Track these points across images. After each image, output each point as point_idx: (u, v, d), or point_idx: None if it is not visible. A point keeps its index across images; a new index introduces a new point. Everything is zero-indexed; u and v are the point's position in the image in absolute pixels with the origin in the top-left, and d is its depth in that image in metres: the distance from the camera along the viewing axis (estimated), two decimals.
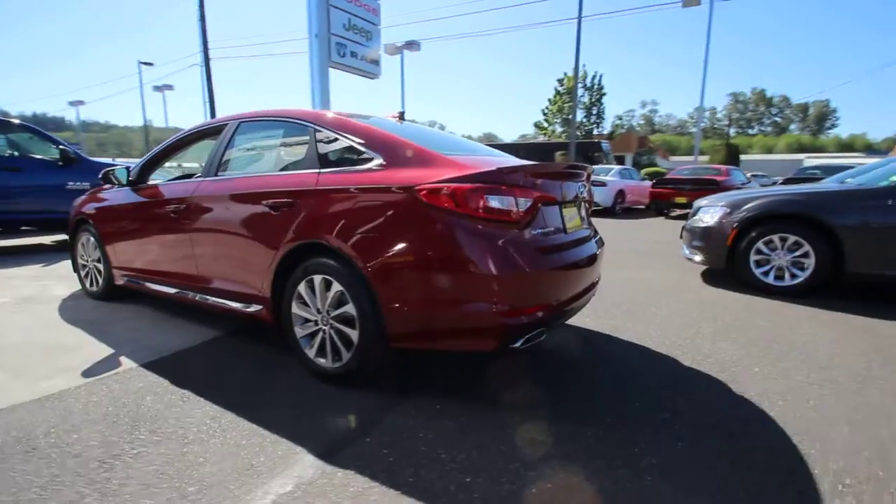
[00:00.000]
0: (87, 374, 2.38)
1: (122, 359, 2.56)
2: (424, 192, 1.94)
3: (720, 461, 1.69)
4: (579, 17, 17.02)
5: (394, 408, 2.04)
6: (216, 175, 2.81)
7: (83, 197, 3.94)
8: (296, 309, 2.36)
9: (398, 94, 23.12)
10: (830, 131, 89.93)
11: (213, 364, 2.54)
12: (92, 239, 3.66)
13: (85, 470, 1.59)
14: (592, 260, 2.40)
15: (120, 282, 3.52)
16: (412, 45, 21.05)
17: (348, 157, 2.31)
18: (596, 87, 32.45)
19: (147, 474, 1.58)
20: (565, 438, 1.82)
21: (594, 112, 32.52)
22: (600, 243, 2.65)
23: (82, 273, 3.87)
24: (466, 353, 2.44)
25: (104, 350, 2.69)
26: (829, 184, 4.92)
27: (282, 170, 2.59)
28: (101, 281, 3.67)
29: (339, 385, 2.23)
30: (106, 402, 2.09)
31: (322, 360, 2.29)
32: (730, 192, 6.17)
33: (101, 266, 3.64)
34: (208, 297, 2.83)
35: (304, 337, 2.35)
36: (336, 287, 2.16)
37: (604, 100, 32.30)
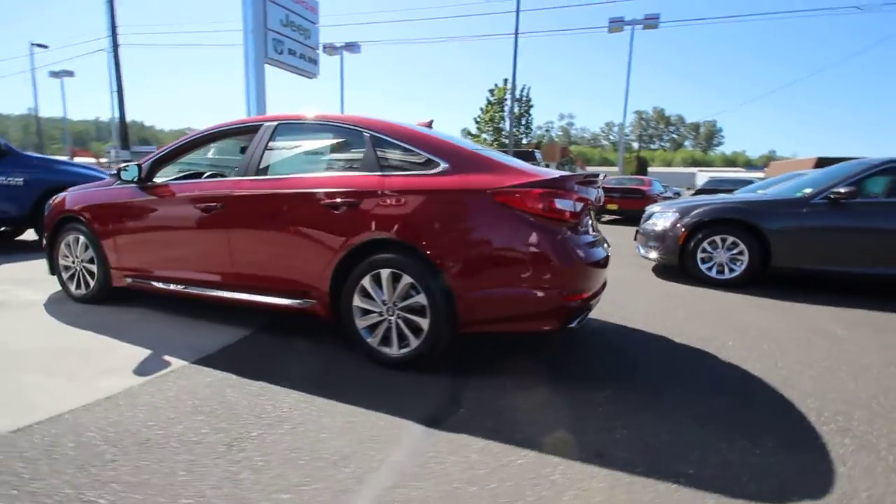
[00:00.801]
0: (139, 373, 2.35)
1: (167, 358, 2.53)
2: (499, 194, 2.24)
3: (734, 404, 2.18)
4: (516, 33, 18.04)
5: (466, 385, 2.30)
6: (256, 174, 2.86)
7: (66, 194, 3.67)
8: (358, 302, 2.52)
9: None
10: (717, 148, 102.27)
11: (265, 358, 2.60)
12: (83, 238, 3.44)
13: (218, 452, 1.68)
14: (608, 260, 2.82)
15: (120, 283, 3.36)
16: (352, 46, 20.88)
17: (411, 163, 2.52)
18: (524, 98, 34.30)
19: (283, 450, 1.71)
20: (613, 399, 2.20)
21: (523, 122, 34.32)
22: (608, 246, 3.09)
23: (65, 275, 3.60)
24: (530, 333, 2.72)
25: (140, 351, 2.62)
26: (749, 194, 5.91)
27: (336, 172, 2.72)
28: (92, 283, 3.46)
29: (401, 369, 2.44)
30: (185, 396, 2.12)
31: (386, 349, 2.48)
32: (678, 200, 7.11)
33: (93, 267, 3.43)
34: (245, 294, 2.87)
35: (365, 328, 2.52)
36: (406, 279, 2.38)
37: (531, 111, 34.22)
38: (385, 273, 2.43)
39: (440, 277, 2.31)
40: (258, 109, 17.13)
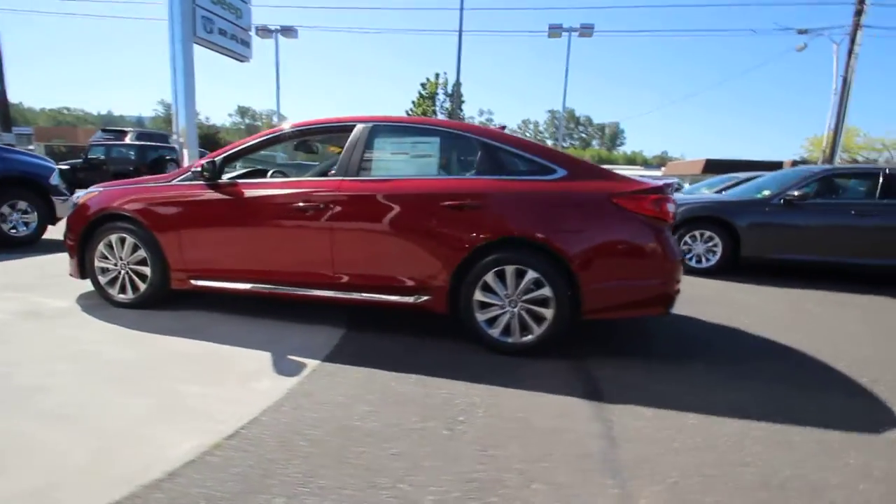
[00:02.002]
0: (286, 374, 2.35)
1: (297, 359, 2.53)
2: (619, 198, 2.57)
3: (787, 369, 2.74)
4: (460, 30, 18.41)
5: (585, 366, 2.62)
6: (358, 175, 2.90)
7: (100, 191, 3.35)
8: (479, 296, 2.72)
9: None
10: (620, 148, 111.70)
11: (389, 352, 2.69)
12: (131, 239, 3.19)
13: (444, 437, 1.83)
14: None
15: (182, 286, 3.18)
16: (288, 30, 19.82)
17: (527, 169, 2.76)
18: (457, 94, 34.95)
19: (499, 429, 1.90)
20: (707, 370, 2.66)
21: (458, 118, 35.00)
22: None
23: (103, 278, 3.30)
24: (639, 317, 3.18)
25: (258, 354, 2.58)
26: (713, 195, 6.85)
27: (452, 175, 2.87)
28: (143, 286, 3.22)
29: (520, 356, 2.68)
30: (359, 391, 2.19)
31: (508, 338, 2.71)
32: None
33: (144, 269, 3.20)
34: (345, 293, 2.91)
35: (485, 321, 2.73)
36: (531, 274, 2.62)
37: (463, 106, 35.04)
38: (510, 269, 2.65)
39: (566, 272, 2.59)
40: (186, 91, 15.70)
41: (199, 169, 3.01)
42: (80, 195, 3.44)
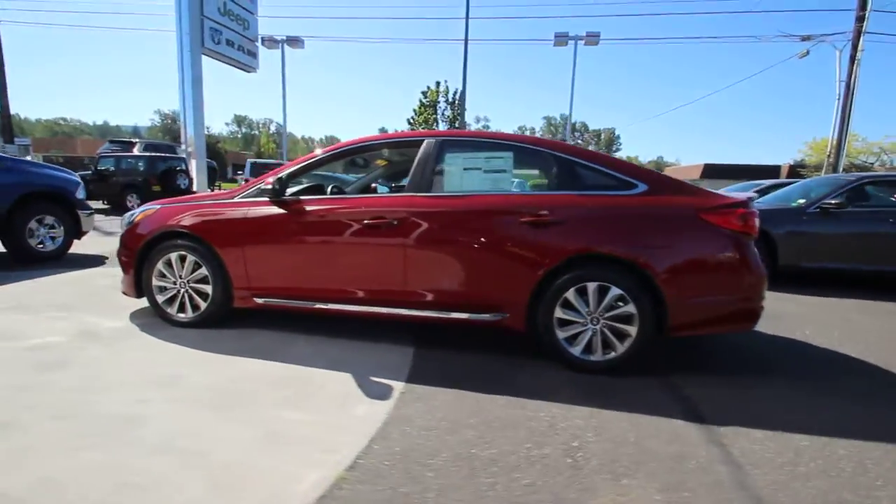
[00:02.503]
0: (377, 397, 2.29)
1: (380, 380, 2.48)
2: (706, 213, 2.54)
3: (866, 384, 2.71)
4: (466, 38, 18.49)
5: (671, 384, 2.57)
6: (430, 190, 2.86)
7: (158, 208, 3.29)
8: (559, 313, 2.67)
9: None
10: (616, 153, 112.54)
11: (468, 371, 2.63)
12: (192, 257, 3.12)
13: (566, 465, 1.78)
14: None
15: (245, 304, 3.12)
16: (294, 41, 19.84)
17: (609, 183, 2.73)
18: (457, 101, 35.08)
19: (618, 456, 1.85)
20: (789, 386, 2.62)
21: (456, 125, 35.09)
22: None
23: (161, 297, 3.23)
24: (724, 333, 3.08)
25: (341, 377, 2.51)
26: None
27: (528, 191, 2.83)
28: (204, 305, 3.15)
29: (602, 374, 2.63)
30: (458, 416, 2.13)
31: (590, 356, 2.66)
32: None
33: (206, 288, 3.13)
34: (418, 310, 2.86)
35: (566, 338, 2.68)
36: (614, 291, 2.58)
37: (464, 114, 35.12)
38: (592, 286, 2.61)
39: (651, 288, 2.55)
40: (195, 102, 15.72)
41: (268, 186, 2.95)
42: (136, 212, 3.38)
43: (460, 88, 34.97)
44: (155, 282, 3.23)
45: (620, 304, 2.60)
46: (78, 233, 5.96)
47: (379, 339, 3.08)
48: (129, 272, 3.28)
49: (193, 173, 14.63)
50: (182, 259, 3.16)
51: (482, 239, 2.74)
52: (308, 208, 2.98)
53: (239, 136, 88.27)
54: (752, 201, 2.70)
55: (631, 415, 2.20)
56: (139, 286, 3.28)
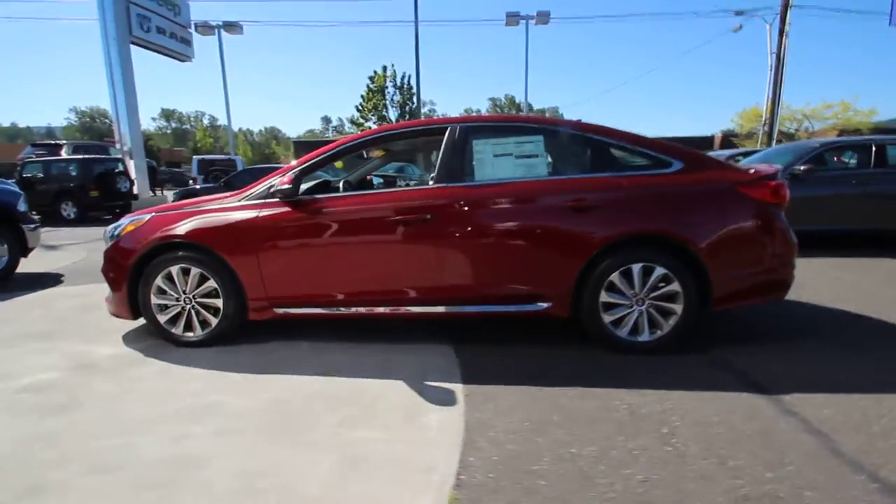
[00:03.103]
0: (441, 403, 2.17)
1: (437, 384, 2.35)
2: (742, 186, 2.57)
3: (879, 338, 2.90)
4: (416, 20, 18.01)
5: (719, 357, 2.62)
6: (462, 180, 2.72)
7: (150, 217, 2.93)
8: (604, 297, 2.64)
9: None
10: None
11: (518, 365, 2.55)
12: (197, 269, 2.81)
13: (671, 450, 1.75)
14: None
15: (262, 316, 2.86)
16: (232, 26, 18.48)
17: (645, 163, 2.69)
18: (406, 87, 34.38)
19: (722, 442, 1.84)
20: (818, 350, 2.75)
21: (407, 110, 34.46)
22: None
23: (162, 317, 2.90)
24: (761, 304, 2.98)
25: (394, 385, 2.36)
26: None
27: (565, 174, 2.74)
28: (215, 321, 2.86)
29: (651, 355, 2.64)
30: (536, 414, 2.05)
31: (637, 337, 2.65)
32: None
33: (215, 302, 2.84)
34: (458, 307, 2.74)
35: (612, 322, 2.65)
36: (659, 270, 2.58)
37: (414, 98, 34.49)
38: (636, 267, 2.59)
39: (694, 265, 2.57)
40: (127, 96, 14.38)
41: (285, 186, 2.68)
42: (122, 224, 2.99)
43: (410, 73, 34.34)
44: (154, 300, 2.89)
45: (664, 283, 2.60)
46: (25, 250, 5.30)
47: (412, 340, 2.93)
48: (121, 291, 2.92)
49: (133, 174, 13.44)
50: (185, 272, 2.84)
51: (522, 228, 2.64)
52: (329, 208, 2.75)
53: (168, 131, 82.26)
54: (779, 173, 2.76)
55: (700, 394, 2.21)
56: (134, 306, 2.93)
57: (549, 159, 2.83)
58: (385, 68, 34.20)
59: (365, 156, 3.84)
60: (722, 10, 18.95)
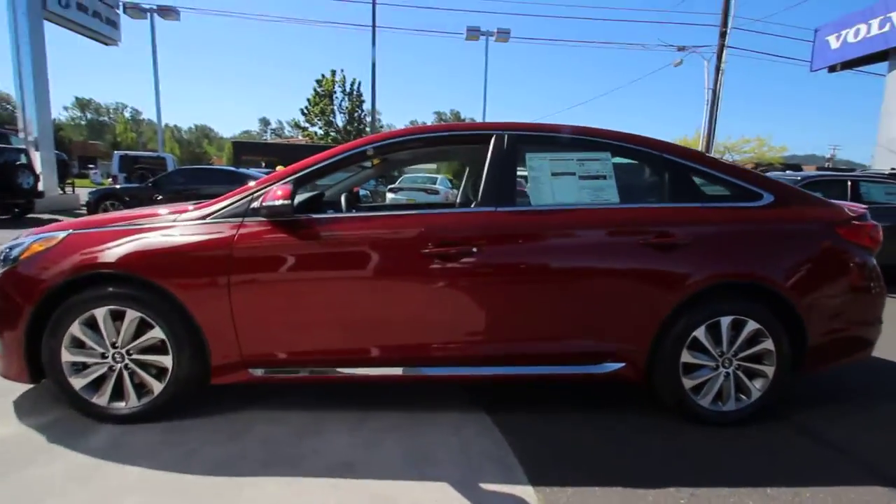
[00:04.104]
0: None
1: (499, 489, 1.69)
2: (842, 228, 2.18)
3: None
4: (373, 24, 17.35)
5: (816, 430, 2.19)
6: (514, 204, 2.11)
7: (76, 235, 2.03)
8: (686, 357, 2.13)
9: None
10: None
11: (596, 451, 1.96)
12: (135, 313, 1.96)
13: None
14: None
15: (234, 378, 2.06)
16: (168, 11, 16.60)
17: (731, 193, 2.23)
18: (356, 93, 33.27)
19: None
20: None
21: (356, 117, 33.32)
22: None
23: (80, 380, 2.00)
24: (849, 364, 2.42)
25: (443, 490, 1.67)
26: None
27: (638, 202, 2.21)
28: (160, 386, 2.01)
29: (733, 427, 2.17)
30: None
31: (721, 406, 2.17)
32: None
33: (161, 360, 2.00)
34: (502, 368, 2.12)
35: (693, 387, 2.15)
36: (751, 325, 2.12)
37: (363, 106, 33.45)
38: (726, 320, 2.11)
39: (790, 318, 2.13)
40: (36, 79, 12.35)
41: (277, 202, 1.90)
42: (24, 243, 2.06)
43: (359, 79, 33.32)
44: (67, 355, 1.98)
45: (756, 340, 2.14)
46: None
47: (433, 403, 2.26)
48: (16, 341, 1.98)
49: (38, 167, 11.42)
50: (116, 316, 1.98)
51: (592, 267, 2.08)
52: (337, 232, 2.03)
53: (83, 122, 74.20)
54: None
55: (831, 489, 1.74)
56: (35, 363, 2.00)
57: (622, 183, 2.30)
58: (334, 73, 32.98)
59: (372, 164, 3.12)
60: (666, 44, 19.99)
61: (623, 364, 2.14)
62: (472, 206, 2.14)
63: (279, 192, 1.92)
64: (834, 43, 16.27)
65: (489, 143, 2.19)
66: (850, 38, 15.74)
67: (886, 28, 14.28)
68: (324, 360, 2.07)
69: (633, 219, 2.12)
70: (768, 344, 2.13)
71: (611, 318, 2.11)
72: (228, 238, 1.97)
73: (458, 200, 3.60)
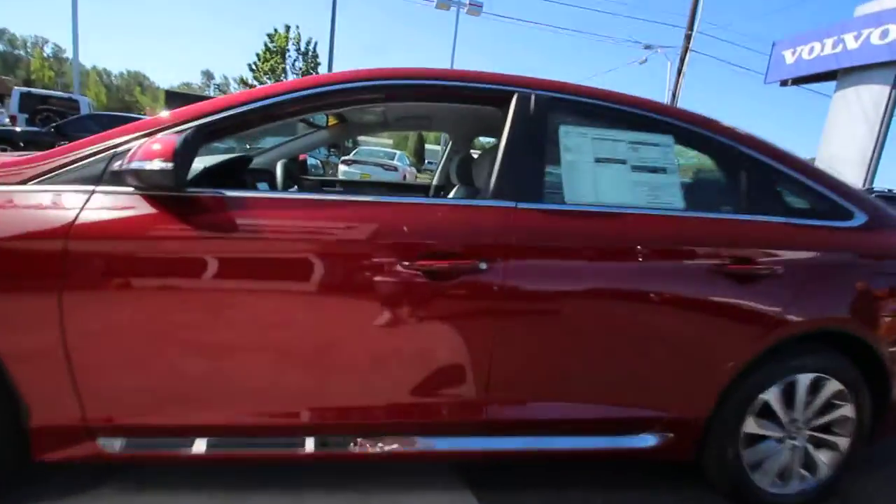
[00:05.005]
0: None
1: None
2: None
3: None
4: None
5: None
6: (540, 200, 1.41)
7: None
8: (751, 426, 1.56)
9: None
10: None
11: None
12: None
13: None
14: None
15: (69, 453, 1.23)
16: None
17: (819, 209, 1.65)
18: (311, 54, 30.92)
19: None
20: None
21: None
22: None
23: None
24: None
25: None
26: None
27: (704, 209, 1.56)
28: None
29: None
30: None
31: (784, 488, 1.63)
32: None
33: None
34: (506, 438, 1.45)
35: (754, 464, 1.60)
36: (832, 385, 1.58)
37: (318, 69, 31.19)
38: (805, 379, 1.56)
39: (878, 378, 1.62)
40: None
41: (153, 164, 1.07)
42: None
43: (315, 39, 30.97)
44: None
45: (835, 404, 1.61)
46: None
47: (404, 483, 1.56)
48: None
49: None
50: None
51: (641, 301, 1.44)
52: (252, 221, 1.23)
53: None
54: None
55: None
56: None
57: (687, 180, 1.66)
58: (288, 28, 30.42)
59: (312, 120, 2.31)
60: (634, 40, 19.96)
61: (670, 435, 1.54)
62: (478, 197, 1.42)
63: (156, 148, 1.08)
64: (789, 58, 16.76)
65: (508, 106, 1.46)
66: (805, 55, 16.25)
67: (839, 49, 14.79)
68: (231, 429, 1.30)
69: (704, 235, 1.49)
70: (847, 409, 1.61)
71: (663, 372, 1.49)
72: (62, 224, 1.13)
73: (434, 183, 2.85)
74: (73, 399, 1.19)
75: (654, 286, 1.43)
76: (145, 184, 1.12)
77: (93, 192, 1.17)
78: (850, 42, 14.41)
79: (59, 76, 50.96)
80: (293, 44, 30.70)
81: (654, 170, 1.54)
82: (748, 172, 1.61)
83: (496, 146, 1.46)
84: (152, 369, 1.23)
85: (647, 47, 20.85)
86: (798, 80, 17.05)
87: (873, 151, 13.86)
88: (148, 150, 1.08)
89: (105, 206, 1.16)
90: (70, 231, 1.12)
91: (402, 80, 1.45)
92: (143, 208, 1.16)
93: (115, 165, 1.16)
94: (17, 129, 10.42)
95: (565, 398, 1.47)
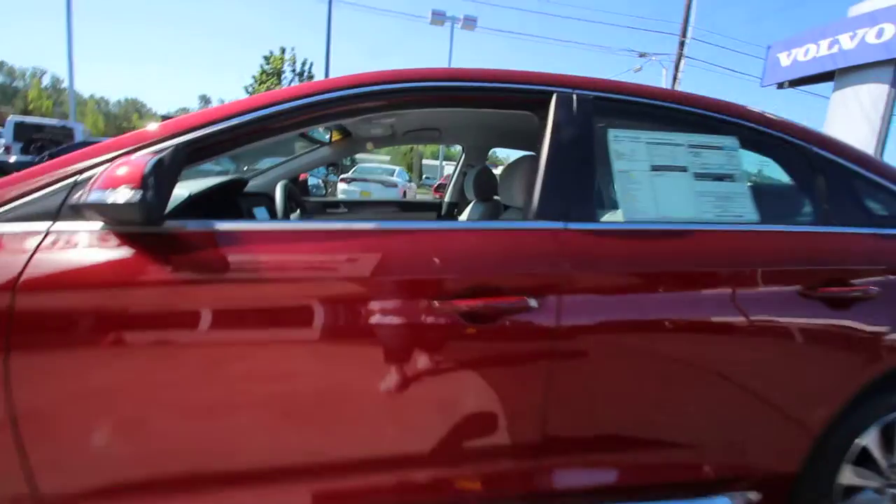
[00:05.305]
0: None
1: None
2: None
3: None
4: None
5: None
6: (593, 218, 1.18)
7: None
8: (849, 478, 1.31)
9: None
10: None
11: None
12: None
13: None
14: None
15: None
16: None
17: (880, 214, 1.43)
18: (307, 74, 31.09)
19: None
20: None
21: None
22: None
23: None
24: None
25: None
26: None
27: (782, 222, 1.33)
28: None
29: None
30: None
31: None
32: None
33: None
34: (563, 499, 1.20)
35: None
36: None
37: None
38: None
39: None
40: None
41: (118, 193, 0.84)
42: None
43: (311, 60, 31.13)
44: None
45: None
46: None
47: None
48: None
49: None
50: None
51: (720, 335, 1.20)
52: (249, 257, 1.00)
53: None
54: None
55: None
56: None
57: (756, 188, 1.43)
58: (283, 50, 30.58)
59: (312, 135, 2.10)
60: (629, 49, 20.00)
61: (752, 496, 1.28)
62: (507, 215, 1.20)
63: (122, 173, 0.85)
64: (784, 60, 16.73)
65: (546, 109, 1.24)
66: (801, 57, 16.22)
67: (835, 49, 14.77)
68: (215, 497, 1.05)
69: (787, 252, 1.26)
70: None
71: (747, 421, 1.24)
72: (8, 275, 0.89)
73: (447, 200, 2.62)
74: (19, 475, 0.94)
75: (733, 317, 1.19)
76: (109, 219, 0.89)
77: (47, 231, 0.93)
78: (846, 42, 14.38)
79: (58, 105, 51.36)
80: (289, 64, 30.91)
81: (719, 177, 1.31)
82: (826, 178, 1.39)
83: (530, 157, 1.25)
84: (121, 441, 0.98)
85: (642, 55, 20.91)
86: (795, 83, 17.02)
87: (875, 150, 13.72)
88: (111, 177, 0.85)
89: (62, 247, 0.93)
90: (17, 283, 0.88)
91: (421, 83, 1.23)
92: (109, 250, 0.93)
93: (75, 197, 0.93)
94: (11, 159, 10.26)
95: (632, 460, 1.22)
